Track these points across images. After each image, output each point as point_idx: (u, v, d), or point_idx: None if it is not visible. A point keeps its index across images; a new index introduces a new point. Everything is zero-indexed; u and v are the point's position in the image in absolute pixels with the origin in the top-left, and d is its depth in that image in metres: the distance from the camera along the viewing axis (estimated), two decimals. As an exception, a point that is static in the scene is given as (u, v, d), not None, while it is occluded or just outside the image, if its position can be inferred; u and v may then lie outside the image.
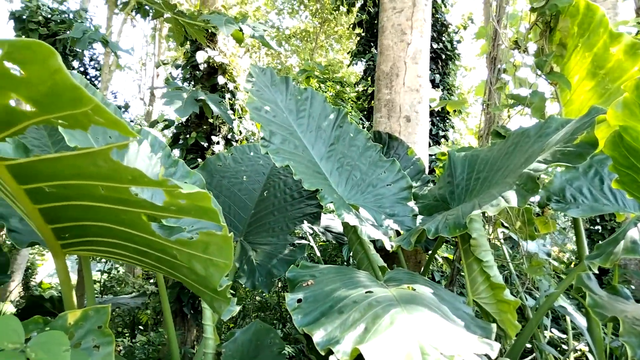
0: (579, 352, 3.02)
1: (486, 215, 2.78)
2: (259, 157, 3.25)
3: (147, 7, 2.74)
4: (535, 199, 2.48)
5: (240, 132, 5.72)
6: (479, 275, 2.24)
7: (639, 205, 1.80)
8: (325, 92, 5.52)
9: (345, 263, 4.36)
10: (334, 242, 3.77)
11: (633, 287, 4.38)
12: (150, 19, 2.92)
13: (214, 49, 5.36)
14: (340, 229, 3.51)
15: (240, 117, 5.49)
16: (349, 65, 7.21)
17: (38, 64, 0.56)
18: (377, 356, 1.13)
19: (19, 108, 0.68)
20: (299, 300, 1.51)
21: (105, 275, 4.77)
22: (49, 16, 5.20)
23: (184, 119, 5.07)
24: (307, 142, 2.49)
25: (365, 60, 6.94)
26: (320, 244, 4.95)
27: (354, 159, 2.54)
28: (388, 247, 2.29)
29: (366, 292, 1.55)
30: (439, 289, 1.85)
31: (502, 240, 2.89)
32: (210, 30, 3.59)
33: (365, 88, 7.01)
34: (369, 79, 7.12)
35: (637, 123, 1.34)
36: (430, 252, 3.53)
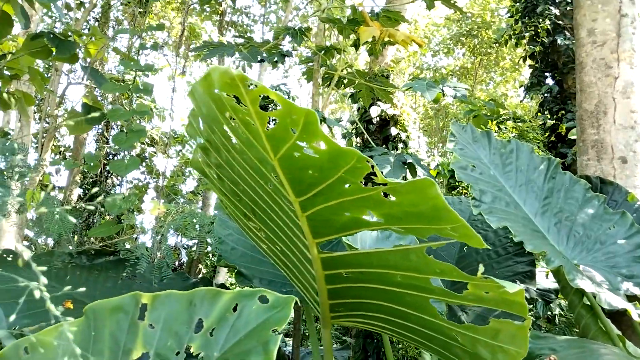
0: None
1: None
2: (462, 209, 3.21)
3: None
4: None
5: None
6: None
7: None
8: (505, 133, 5.26)
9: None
10: (539, 299, 3.46)
11: None
12: (344, 87, 3.21)
13: (391, 107, 5.60)
14: (544, 284, 3.21)
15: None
16: (522, 100, 6.79)
17: (416, 194, 0.66)
18: None
19: (365, 219, 0.80)
20: None
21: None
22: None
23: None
24: (517, 197, 2.38)
25: (541, 92, 6.47)
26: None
27: (573, 213, 2.34)
28: (635, 317, 2.00)
29: (633, 375, 1.38)
30: None
31: None
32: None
33: (544, 122, 6.50)
34: (547, 111, 6.60)
35: None
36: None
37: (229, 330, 0.74)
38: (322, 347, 1.51)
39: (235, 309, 0.76)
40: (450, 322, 1.07)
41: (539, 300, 3.42)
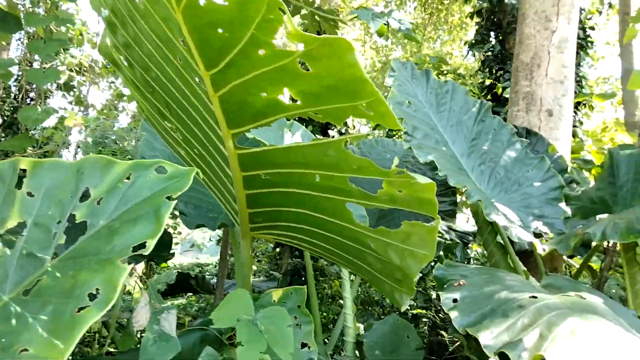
0: None
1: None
2: (386, 151, 3.25)
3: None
4: None
5: (354, 126, 5.79)
6: (646, 287, 2.03)
7: None
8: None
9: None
10: (457, 241, 3.67)
11: None
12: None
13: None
14: (464, 227, 3.40)
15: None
16: (465, 56, 6.90)
17: (333, 60, 0.60)
18: (568, 366, 1.07)
19: (282, 101, 0.75)
20: (455, 300, 1.49)
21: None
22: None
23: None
24: (447, 137, 2.43)
25: (484, 50, 6.60)
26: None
27: (497, 154, 2.43)
28: (540, 251, 2.16)
29: (530, 297, 1.49)
30: (607, 299, 1.71)
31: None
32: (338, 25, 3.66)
33: (483, 80, 6.67)
34: (487, 70, 6.76)
35: None
36: (571, 258, 3.27)
37: (120, 199, 0.68)
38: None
39: (129, 179, 0.69)
40: (365, 227, 1.07)
41: (459, 243, 3.63)
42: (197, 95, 0.85)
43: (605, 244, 2.58)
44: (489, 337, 1.27)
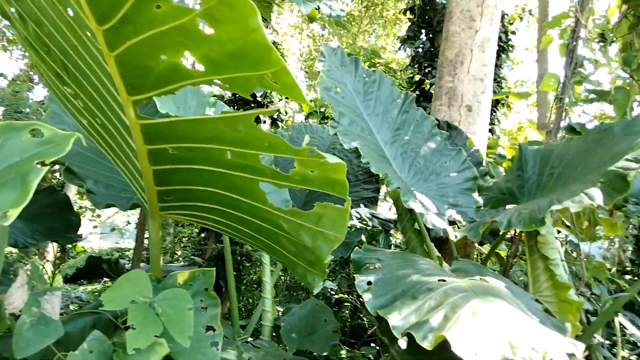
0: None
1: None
2: (315, 137, 3.25)
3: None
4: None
5: (287, 112, 5.74)
6: (543, 273, 2.20)
7: None
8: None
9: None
10: (379, 228, 3.78)
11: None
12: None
13: (267, 27, 5.36)
14: (387, 215, 3.50)
15: (287, 98, 5.51)
16: (397, 51, 7.08)
17: (235, 23, 0.56)
18: (463, 345, 1.12)
19: (185, 66, 0.69)
20: (369, 283, 1.51)
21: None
22: None
23: (229, 94, 5.12)
24: (372, 125, 2.47)
25: (414, 46, 6.81)
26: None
27: (418, 145, 2.51)
28: (452, 237, 2.26)
29: (439, 280, 1.55)
30: (509, 283, 1.83)
31: (561, 240, 2.82)
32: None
33: (412, 75, 6.89)
34: (416, 66, 6.98)
35: None
36: (481, 245, 3.49)
37: (-18, 164, 0.59)
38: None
39: (-4, 143, 0.61)
40: (278, 208, 1.04)
41: (382, 230, 3.73)
42: (93, 56, 0.77)
43: (512, 232, 2.78)
44: (398, 319, 1.30)
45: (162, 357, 0.76)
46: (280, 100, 5.38)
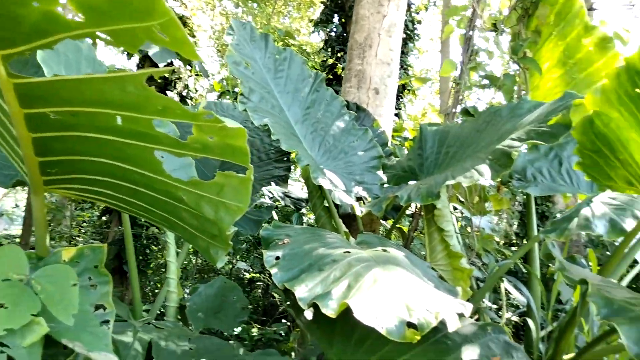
0: (508, 322, 3.30)
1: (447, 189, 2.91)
2: (226, 115, 3.16)
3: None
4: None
5: (196, 90, 5.51)
6: (439, 244, 2.37)
7: (593, 186, 1.99)
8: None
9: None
10: (291, 206, 3.82)
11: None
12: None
13: (175, 0, 5.07)
14: (299, 194, 3.54)
15: (197, 75, 5.28)
16: (311, 34, 7.09)
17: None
18: (365, 311, 1.17)
19: (64, 17, 0.62)
20: (277, 258, 1.53)
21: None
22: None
23: (135, 69, 4.79)
24: (283, 103, 2.46)
25: (327, 30, 6.87)
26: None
27: (327, 124, 2.55)
28: (358, 212, 2.35)
29: (344, 252, 1.60)
30: (408, 253, 1.94)
31: (455, 214, 3.06)
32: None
33: (325, 59, 6.96)
34: (329, 50, 7.07)
35: (610, 109, 1.47)
36: (386, 221, 3.67)
37: None
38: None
39: None
40: (176, 179, 1.00)
41: (295, 211, 3.77)
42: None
43: (413, 208, 2.96)
44: (304, 290, 1.32)
45: (40, 336, 0.70)
46: (189, 77, 5.15)
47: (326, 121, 2.56)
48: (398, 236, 3.91)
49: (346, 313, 1.21)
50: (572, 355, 1.90)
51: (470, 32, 2.66)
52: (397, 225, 4.00)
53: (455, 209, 3.45)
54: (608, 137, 1.55)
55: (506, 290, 2.94)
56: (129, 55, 4.99)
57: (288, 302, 1.68)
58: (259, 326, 3.79)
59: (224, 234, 1.11)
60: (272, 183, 2.62)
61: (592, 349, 1.67)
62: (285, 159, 2.86)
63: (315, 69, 5.95)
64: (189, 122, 0.82)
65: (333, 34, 7.00)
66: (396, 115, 7.27)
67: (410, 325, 1.15)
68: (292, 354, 2.83)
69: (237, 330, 3.36)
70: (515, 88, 2.53)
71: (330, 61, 6.94)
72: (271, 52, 2.54)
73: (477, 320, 2.96)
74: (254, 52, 2.47)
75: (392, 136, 4.69)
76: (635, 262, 2.31)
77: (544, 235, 1.86)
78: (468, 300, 2.36)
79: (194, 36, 5.56)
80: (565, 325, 1.93)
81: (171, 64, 3.89)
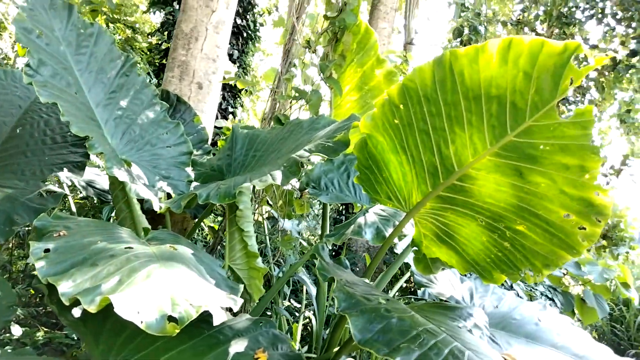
0: (307, 319, 3.59)
1: (256, 191, 3.03)
2: (17, 87, 2.75)
3: None
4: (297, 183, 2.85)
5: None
6: (238, 243, 2.45)
7: (369, 199, 2.29)
8: (114, 34, 4.96)
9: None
10: (95, 199, 3.48)
11: (358, 268, 5.38)
12: None
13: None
14: (105, 186, 3.27)
15: None
16: (145, 12, 6.62)
17: None
18: (126, 305, 1.15)
19: None
20: (47, 250, 1.40)
21: None
22: None
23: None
24: (83, 82, 2.24)
25: (164, 12, 6.51)
26: (76, 200, 4.47)
27: (135, 112, 2.41)
28: (156, 208, 2.27)
29: (126, 248, 1.55)
30: (200, 252, 1.96)
31: (264, 217, 3.20)
32: None
33: (160, 42, 6.59)
34: (165, 33, 6.71)
35: (378, 134, 1.72)
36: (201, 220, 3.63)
37: None
38: None
39: None
40: None
41: (96, 200, 3.46)
42: None
43: (224, 207, 2.99)
44: (69, 286, 1.23)
45: None
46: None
47: (134, 109, 2.42)
48: (210, 235, 3.92)
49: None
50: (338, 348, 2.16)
51: (290, 44, 2.83)
52: (210, 225, 4.00)
53: (268, 211, 3.61)
54: (376, 157, 1.81)
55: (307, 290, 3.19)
56: None
57: (51, 299, 1.53)
58: (46, 329, 3.37)
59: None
60: (65, 169, 2.36)
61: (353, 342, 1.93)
62: (85, 144, 2.60)
63: (144, 52, 5.57)
64: None
65: (171, 18, 6.68)
66: (231, 114, 7.27)
67: (172, 319, 1.16)
68: None
69: (17, 333, 2.93)
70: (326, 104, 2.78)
71: (165, 46, 6.60)
72: (74, 25, 2.29)
73: (269, 317, 3.14)
74: (53, 22, 2.20)
75: (223, 134, 4.67)
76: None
77: (326, 239, 2.08)
78: (261, 298, 2.50)
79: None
80: (338, 319, 2.18)
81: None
